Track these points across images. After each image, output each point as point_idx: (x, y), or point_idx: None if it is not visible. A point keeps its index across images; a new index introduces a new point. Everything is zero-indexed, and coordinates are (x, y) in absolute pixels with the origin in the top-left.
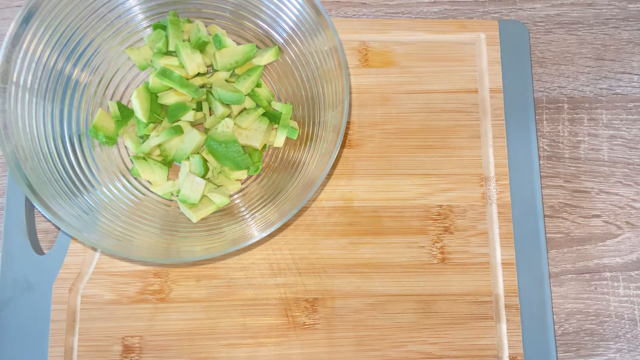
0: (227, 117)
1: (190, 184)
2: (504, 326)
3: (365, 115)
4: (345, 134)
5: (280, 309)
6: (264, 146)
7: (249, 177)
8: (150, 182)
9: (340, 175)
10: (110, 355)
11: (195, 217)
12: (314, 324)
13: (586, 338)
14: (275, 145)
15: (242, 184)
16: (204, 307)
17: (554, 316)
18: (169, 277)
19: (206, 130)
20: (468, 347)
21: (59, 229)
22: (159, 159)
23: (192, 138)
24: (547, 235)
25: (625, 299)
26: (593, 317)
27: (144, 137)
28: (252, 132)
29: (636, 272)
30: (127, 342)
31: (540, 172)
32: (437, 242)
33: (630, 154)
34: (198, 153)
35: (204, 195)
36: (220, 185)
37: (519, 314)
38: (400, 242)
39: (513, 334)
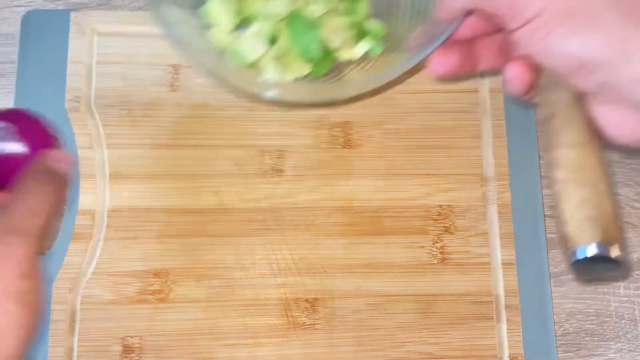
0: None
1: (251, 42)
2: (504, 326)
3: (365, 115)
4: (345, 134)
5: (280, 309)
6: (331, 57)
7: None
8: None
9: (340, 175)
10: (110, 355)
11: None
12: (314, 324)
13: (586, 338)
14: (352, 58)
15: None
16: (204, 307)
17: (554, 316)
18: (169, 277)
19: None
20: (468, 347)
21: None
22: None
23: (279, 3)
24: (547, 235)
25: (626, 299)
26: (593, 317)
27: None
28: (334, 31)
29: (636, 272)
30: (127, 342)
31: (540, 172)
32: (437, 242)
33: (631, 154)
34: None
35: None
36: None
37: (519, 314)
38: (400, 242)
39: (513, 334)
